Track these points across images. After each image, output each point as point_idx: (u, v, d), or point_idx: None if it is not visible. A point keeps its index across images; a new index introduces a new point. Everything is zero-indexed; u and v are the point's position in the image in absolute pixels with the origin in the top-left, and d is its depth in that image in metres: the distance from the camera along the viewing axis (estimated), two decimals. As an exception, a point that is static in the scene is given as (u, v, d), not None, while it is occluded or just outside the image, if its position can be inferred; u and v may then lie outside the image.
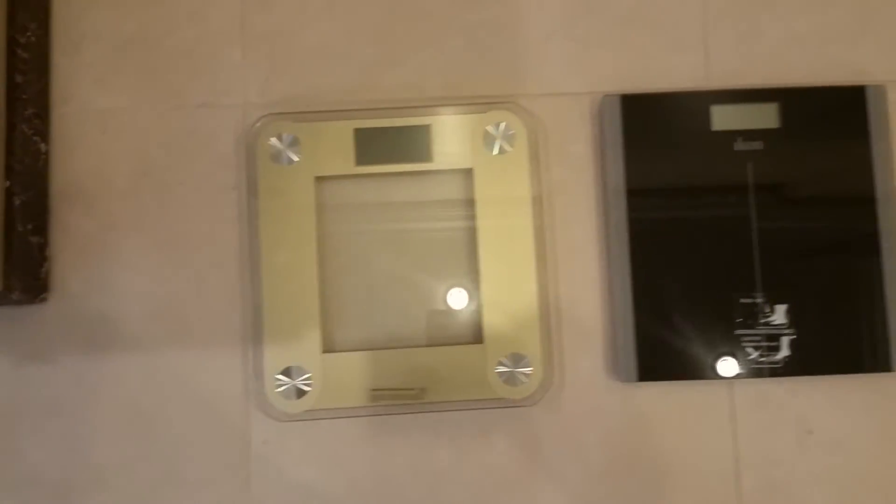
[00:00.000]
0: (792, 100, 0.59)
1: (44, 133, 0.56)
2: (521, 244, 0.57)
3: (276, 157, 0.57)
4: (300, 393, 0.56)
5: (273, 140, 0.57)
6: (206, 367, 0.57)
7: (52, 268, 0.57)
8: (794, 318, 0.57)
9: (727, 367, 0.57)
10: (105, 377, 0.57)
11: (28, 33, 0.55)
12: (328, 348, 0.57)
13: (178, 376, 0.57)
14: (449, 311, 0.58)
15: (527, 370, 0.57)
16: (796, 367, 0.57)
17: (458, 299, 0.58)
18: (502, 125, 0.58)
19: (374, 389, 0.56)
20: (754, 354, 0.57)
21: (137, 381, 0.57)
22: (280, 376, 0.56)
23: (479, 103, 0.58)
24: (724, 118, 0.59)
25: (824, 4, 0.61)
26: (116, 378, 0.57)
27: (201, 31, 0.59)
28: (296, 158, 0.57)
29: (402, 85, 0.59)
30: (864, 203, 0.58)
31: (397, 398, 0.56)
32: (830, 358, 0.57)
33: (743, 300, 0.57)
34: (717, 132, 0.59)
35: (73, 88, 0.58)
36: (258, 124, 0.57)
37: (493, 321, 0.57)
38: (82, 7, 0.59)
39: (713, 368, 0.57)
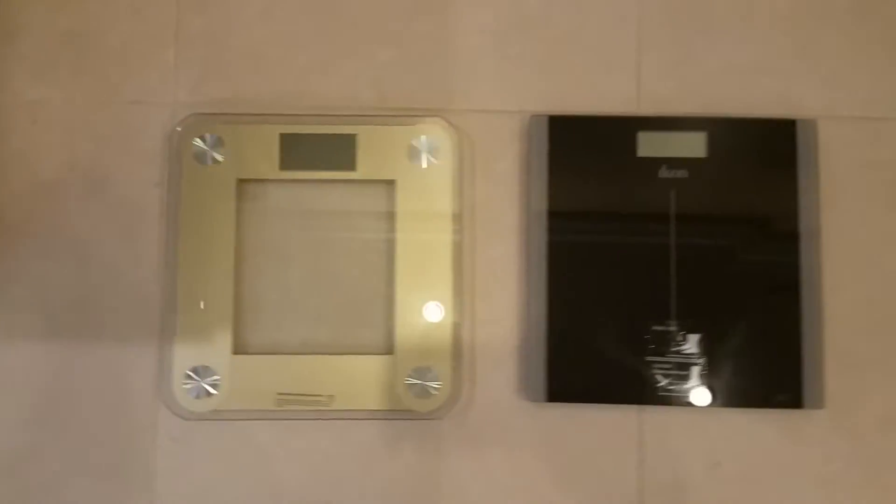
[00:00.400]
0: (720, 130, 0.59)
1: (-27, 121, 0.57)
2: (439, 258, 0.57)
3: (200, 156, 0.58)
4: (208, 393, 0.56)
5: (197, 140, 0.57)
6: (119, 361, 0.58)
7: (-26, 254, 0.58)
8: (707, 348, 0.57)
9: (636, 393, 0.57)
10: (20, 364, 0.58)
11: (-38, 22, 0.56)
12: (239, 350, 0.57)
13: (91, 368, 0.58)
14: (362, 321, 0.58)
15: (435, 384, 0.57)
16: (705, 397, 0.57)
17: (371, 309, 0.58)
18: (426, 138, 0.58)
19: (280, 394, 0.56)
20: (664, 382, 0.57)
21: (51, 371, 0.58)
22: (189, 374, 0.56)
23: (405, 115, 0.59)
24: (650, 145, 0.59)
25: (762, 37, 0.61)
26: (31, 365, 0.58)
27: (137, 29, 0.60)
28: (220, 159, 0.58)
29: (332, 94, 0.60)
30: (787, 239, 0.58)
31: (304, 403, 0.56)
32: (741, 391, 0.57)
33: (656, 327, 0.57)
34: (642, 158, 0.59)
35: (7, 79, 0.59)
36: (182, 124, 0.57)
37: (405, 333, 0.57)
38: (21, 0, 0.59)
39: (621, 393, 0.57)
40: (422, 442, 0.58)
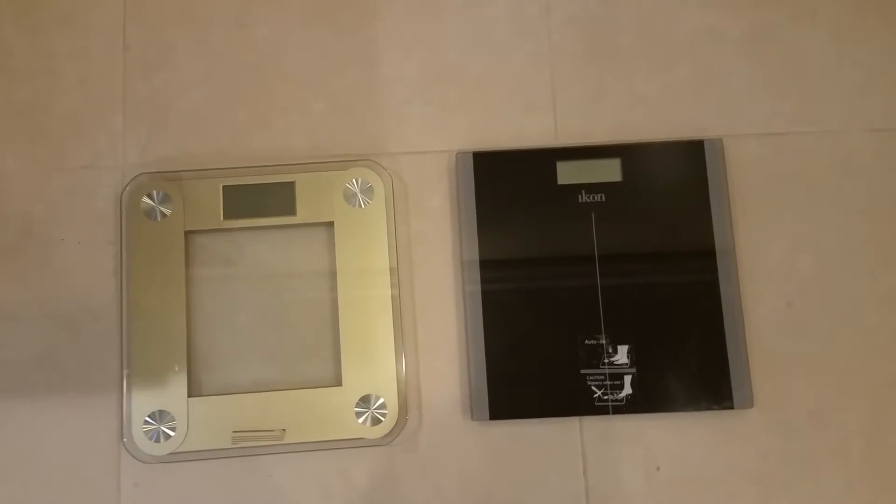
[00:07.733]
0: (633, 155, 0.64)
1: (-67, 194, 0.61)
2: (379, 291, 0.61)
3: (149, 213, 0.61)
4: (166, 436, 0.59)
5: (145, 198, 0.61)
6: (81, 412, 0.60)
7: (-62, 320, 0.61)
8: (636, 357, 0.60)
9: (574, 406, 0.60)
10: (-13, 423, 0.60)
11: (-80, 104, 0.60)
12: (195, 393, 0.60)
13: (55, 421, 0.60)
14: (309, 356, 0.62)
15: (384, 411, 0.60)
16: (639, 404, 0.60)
17: (318, 344, 0.62)
18: (359, 181, 0.62)
19: (236, 431, 0.59)
20: (598, 393, 0.60)
21: (17, 427, 0.60)
22: (148, 419, 0.59)
23: (339, 161, 0.63)
24: (568, 173, 0.63)
25: (666, 66, 0.66)
26: (-3, 424, 0.60)
27: (86, 98, 0.64)
28: (167, 213, 0.61)
29: (270, 145, 0.64)
30: (704, 251, 0.62)
31: (258, 439, 0.59)
32: (672, 396, 0.60)
33: (588, 341, 0.61)
34: (562, 185, 0.63)
35: (-35, 153, 0.63)
36: (132, 183, 0.61)
37: (351, 364, 0.60)
38: (-24, 80, 0.64)
39: (560, 406, 0.60)
40: (376, 468, 0.60)
